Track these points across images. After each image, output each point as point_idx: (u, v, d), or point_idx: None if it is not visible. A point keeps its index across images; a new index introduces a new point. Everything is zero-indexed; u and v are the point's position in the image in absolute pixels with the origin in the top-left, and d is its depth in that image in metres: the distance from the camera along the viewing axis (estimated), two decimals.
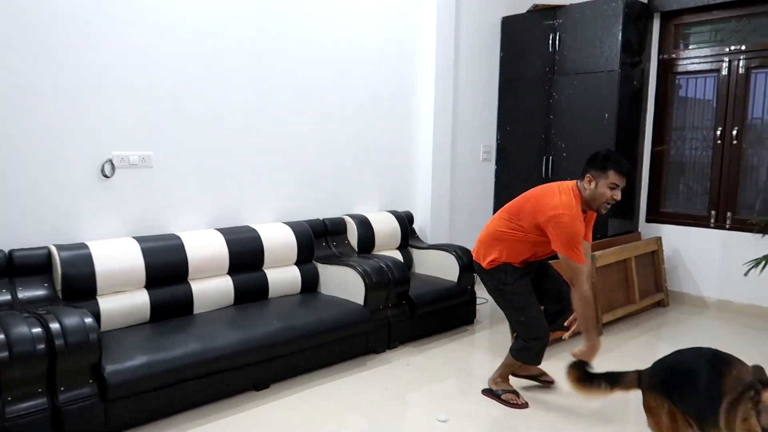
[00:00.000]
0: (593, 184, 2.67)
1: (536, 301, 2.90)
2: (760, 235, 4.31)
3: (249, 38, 3.63)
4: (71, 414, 2.39)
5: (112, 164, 3.14)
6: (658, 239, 4.75)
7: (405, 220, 4.41)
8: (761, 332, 4.13)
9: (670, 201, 4.98)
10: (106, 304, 2.94)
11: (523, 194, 2.89)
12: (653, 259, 4.69)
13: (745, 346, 3.88)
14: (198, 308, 3.25)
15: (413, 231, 4.54)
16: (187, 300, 3.21)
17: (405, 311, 3.69)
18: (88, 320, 2.48)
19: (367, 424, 2.75)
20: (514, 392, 2.99)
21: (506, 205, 2.95)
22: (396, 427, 2.73)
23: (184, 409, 2.76)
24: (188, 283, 3.24)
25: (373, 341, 3.54)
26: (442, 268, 4.15)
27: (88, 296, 2.91)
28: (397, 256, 4.24)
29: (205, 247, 3.30)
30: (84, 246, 2.94)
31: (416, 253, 4.37)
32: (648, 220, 4.97)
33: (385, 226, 4.25)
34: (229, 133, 3.60)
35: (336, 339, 3.33)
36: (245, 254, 3.47)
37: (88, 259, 2.89)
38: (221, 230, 3.45)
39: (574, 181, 2.76)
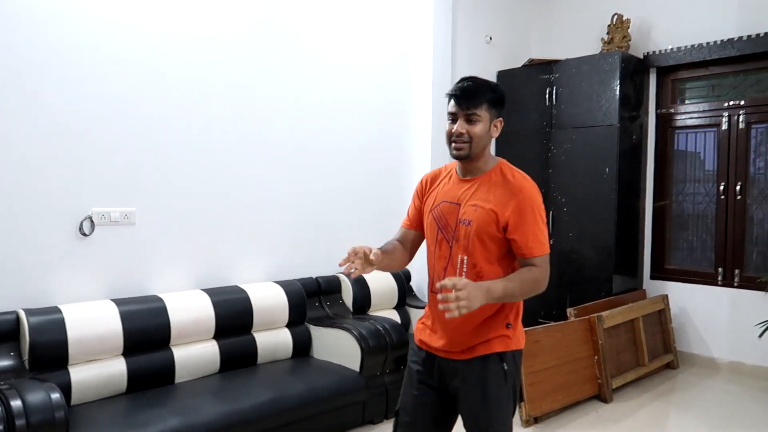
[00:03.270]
0: None
1: (412, 413, 1.96)
2: None
3: (236, 89, 3.50)
4: None
5: (92, 221, 2.94)
6: (665, 297, 4.57)
7: (402, 278, 4.20)
8: None
9: (675, 257, 4.83)
10: (79, 374, 2.68)
11: None
12: (660, 318, 4.50)
13: (760, 411, 3.65)
14: (180, 377, 2.99)
15: (410, 289, 4.33)
16: (168, 368, 2.95)
17: (403, 378, 3.44)
18: (55, 396, 2.23)
19: None
20: None
21: None
22: None
23: None
24: (170, 349, 2.98)
25: (370, 411, 3.27)
26: None
27: (58, 366, 2.64)
28: (394, 316, 4.01)
29: (190, 310, 3.07)
30: (56, 310, 2.70)
31: (414, 313, 4.14)
32: (653, 277, 4.81)
33: (382, 285, 4.03)
34: (216, 188, 3.43)
35: (329, 409, 3.07)
36: (233, 317, 3.23)
37: (59, 325, 2.64)
38: (207, 291, 3.22)
39: None
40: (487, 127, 1.81)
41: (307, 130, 3.87)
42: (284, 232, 3.78)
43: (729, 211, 4.47)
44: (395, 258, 1.98)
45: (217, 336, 3.17)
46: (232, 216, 3.50)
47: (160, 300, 3.01)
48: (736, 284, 4.42)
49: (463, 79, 1.86)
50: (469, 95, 1.79)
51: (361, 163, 4.21)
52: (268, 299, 3.40)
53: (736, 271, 4.43)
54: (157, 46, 3.15)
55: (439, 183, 1.94)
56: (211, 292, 3.22)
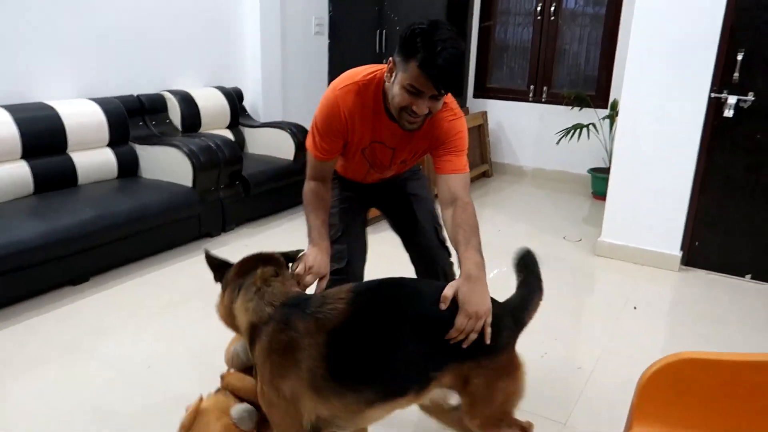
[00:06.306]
0: (393, 76, 1.51)
1: (354, 231, 1.85)
2: (570, 107, 4.70)
3: None
4: None
5: None
6: (484, 114, 4.97)
7: (234, 97, 4.07)
8: (565, 195, 4.62)
9: (495, 76, 5.18)
10: None
11: None
12: (479, 132, 4.92)
13: (552, 205, 4.33)
14: None
15: (243, 109, 4.23)
16: None
17: (239, 192, 3.49)
18: None
19: (203, 308, 2.60)
20: None
21: None
22: None
23: None
24: None
25: (206, 224, 3.32)
26: (277, 146, 3.95)
27: None
28: (228, 135, 3.94)
29: None
30: None
31: (248, 132, 4.10)
32: (475, 96, 5.16)
33: (212, 103, 3.88)
34: None
35: (163, 224, 3.07)
36: (42, 135, 2.95)
37: None
38: (7, 107, 2.87)
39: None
40: None
41: None
42: (99, 45, 3.38)
43: (543, 31, 4.81)
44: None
45: (26, 156, 2.91)
46: (33, 22, 3.03)
47: None
48: (544, 100, 4.91)
49: (444, 48, 1.38)
50: (453, 81, 1.44)
51: None
52: (83, 117, 3.13)
53: (545, 88, 4.90)
54: None
55: (363, 118, 1.61)
56: (11, 109, 2.87)
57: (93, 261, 2.76)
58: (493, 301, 1.34)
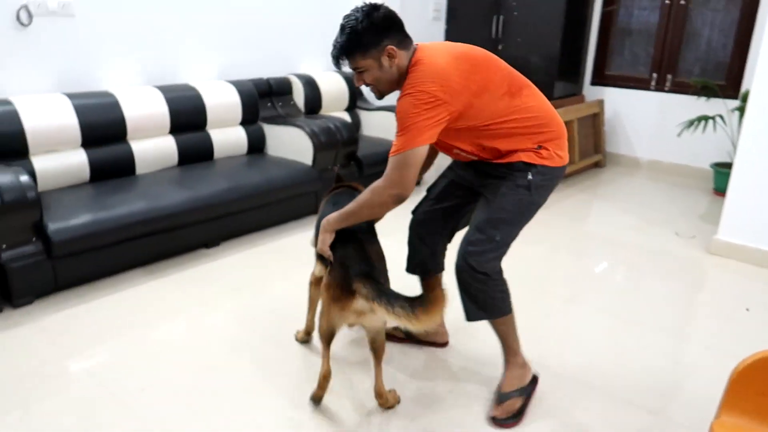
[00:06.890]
0: None
1: (434, 197, 2.09)
2: (696, 97, 4.45)
3: None
4: (17, 271, 2.36)
5: (29, 11, 2.84)
6: (600, 102, 4.84)
7: (352, 81, 4.29)
8: (682, 189, 4.41)
9: (615, 63, 5.01)
10: (41, 163, 2.81)
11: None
12: (594, 121, 4.81)
13: (666, 200, 4.16)
14: (141, 169, 3.16)
15: (361, 92, 4.44)
16: (128, 160, 3.10)
17: (353, 171, 3.72)
18: (24, 178, 2.38)
19: None
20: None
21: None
22: None
23: (134, 266, 2.78)
24: (127, 142, 3.11)
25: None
26: (390, 129, 4.12)
27: (19, 156, 2.75)
28: (345, 117, 4.18)
29: (143, 106, 3.14)
30: (7, 102, 2.73)
31: (364, 115, 4.32)
32: (593, 83, 5.03)
33: (332, 87, 4.13)
34: None
35: (285, 198, 3.35)
36: (187, 113, 3.33)
37: (13, 116, 2.70)
38: (159, 87, 3.27)
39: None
40: (377, 68, 1.68)
41: None
42: (234, 31, 3.73)
43: (672, 16, 4.58)
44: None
45: (173, 131, 3.30)
46: (179, 11, 3.41)
47: (112, 95, 3.05)
48: (667, 89, 4.69)
49: (340, 30, 1.70)
50: (338, 56, 1.72)
51: None
52: (221, 97, 3.48)
53: (669, 76, 4.67)
54: None
55: None
56: (163, 89, 3.26)
57: (224, 227, 3.09)
58: (339, 248, 1.80)
